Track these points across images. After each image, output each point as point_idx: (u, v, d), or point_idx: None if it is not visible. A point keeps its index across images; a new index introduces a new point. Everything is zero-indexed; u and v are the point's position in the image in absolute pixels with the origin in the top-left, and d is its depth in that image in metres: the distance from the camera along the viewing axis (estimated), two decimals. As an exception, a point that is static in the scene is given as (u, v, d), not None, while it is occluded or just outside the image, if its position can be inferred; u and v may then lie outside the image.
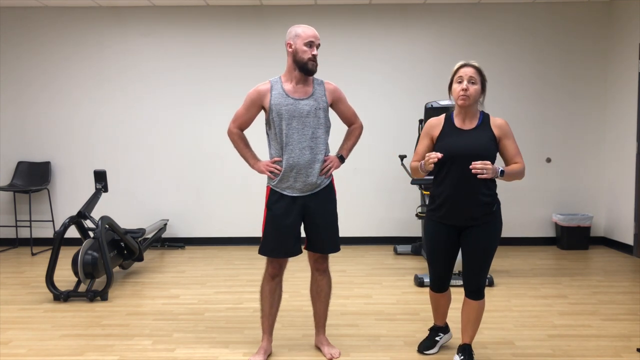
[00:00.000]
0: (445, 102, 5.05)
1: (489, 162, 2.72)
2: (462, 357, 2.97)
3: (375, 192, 6.49)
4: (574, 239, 6.17)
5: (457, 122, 2.88)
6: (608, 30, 6.33)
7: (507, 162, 2.89)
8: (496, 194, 2.88)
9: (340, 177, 6.26)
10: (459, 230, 2.91)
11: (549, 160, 6.46)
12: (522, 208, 6.47)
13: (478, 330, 3.47)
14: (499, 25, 6.39)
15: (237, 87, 6.17)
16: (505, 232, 6.54)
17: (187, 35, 6.43)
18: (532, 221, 6.49)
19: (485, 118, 2.89)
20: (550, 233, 6.49)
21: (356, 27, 6.42)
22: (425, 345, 3.15)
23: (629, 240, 5.93)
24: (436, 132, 2.90)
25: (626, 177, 5.99)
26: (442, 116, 2.97)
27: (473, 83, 2.79)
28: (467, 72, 2.79)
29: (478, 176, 2.71)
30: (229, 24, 6.43)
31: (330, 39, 6.37)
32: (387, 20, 6.41)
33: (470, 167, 2.71)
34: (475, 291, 2.92)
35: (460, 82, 2.80)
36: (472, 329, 2.99)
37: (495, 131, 2.85)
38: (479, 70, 2.81)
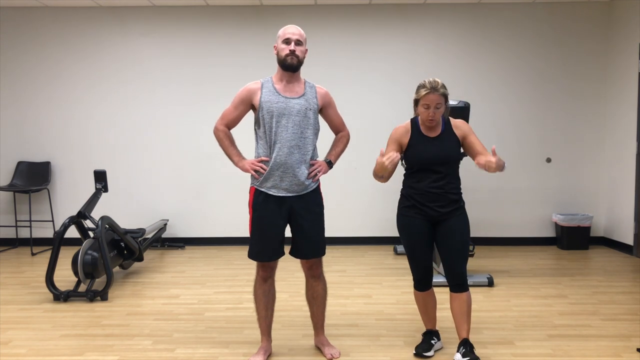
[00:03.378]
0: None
1: (494, 160, 2.81)
2: (463, 351, 3.00)
3: (375, 192, 6.48)
4: (574, 239, 6.17)
5: (424, 130, 3.05)
6: (608, 30, 6.33)
7: (476, 157, 3.00)
8: (461, 193, 3.09)
9: (341, 178, 6.30)
10: (432, 223, 3.06)
11: (549, 160, 6.46)
12: (522, 208, 6.48)
13: (478, 330, 3.48)
14: (499, 25, 6.39)
15: (237, 87, 6.10)
16: (505, 232, 6.62)
17: (187, 35, 6.44)
18: (532, 221, 6.50)
19: (447, 124, 3.06)
20: (550, 233, 6.49)
21: (356, 27, 6.42)
22: (423, 348, 3.15)
23: (629, 240, 5.93)
24: (405, 140, 3.06)
25: (626, 177, 5.99)
26: (408, 123, 3.10)
27: (439, 108, 2.93)
28: (434, 99, 2.90)
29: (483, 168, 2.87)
30: (229, 24, 6.44)
31: (330, 39, 6.38)
32: (387, 20, 6.41)
33: (481, 163, 2.87)
34: (460, 284, 3.03)
35: (427, 108, 2.93)
36: (467, 321, 3.05)
37: (457, 133, 3.04)
38: (442, 94, 2.92)
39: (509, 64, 6.41)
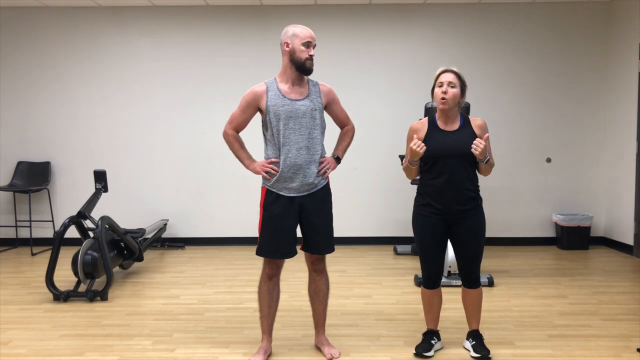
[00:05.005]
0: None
1: (484, 143, 2.91)
2: (473, 343, 3.14)
3: (376, 192, 6.49)
4: (574, 239, 6.17)
5: (441, 124, 3.08)
6: (608, 30, 6.33)
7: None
8: (479, 190, 3.10)
9: (341, 177, 6.29)
10: (447, 223, 3.08)
11: (549, 160, 6.46)
12: (522, 208, 6.47)
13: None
14: (499, 25, 6.39)
15: (237, 87, 6.18)
16: (505, 232, 6.61)
17: (187, 35, 6.43)
18: (532, 221, 6.49)
19: (466, 119, 3.10)
20: (550, 233, 6.49)
21: (356, 27, 6.42)
22: (423, 348, 3.16)
23: (629, 240, 5.92)
24: (421, 135, 3.08)
25: (626, 177, 5.99)
26: (425, 119, 3.15)
27: (452, 87, 3.00)
28: (447, 77, 3.01)
29: (472, 150, 2.90)
30: (229, 24, 6.43)
31: (330, 39, 6.37)
32: (387, 20, 6.41)
33: (472, 145, 2.89)
34: (473, 281, 3.13)
35: (440, 87, 3.02)
36: (477, 314, 3.19)
37: (477, 131, 3.06)
38: (458, 76, 3.03)
39: (509, 63, 6.41)
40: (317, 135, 3.05)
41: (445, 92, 2.97)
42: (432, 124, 3.09)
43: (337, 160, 3.21)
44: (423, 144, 2.93)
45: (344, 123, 3.27)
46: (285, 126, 2.98)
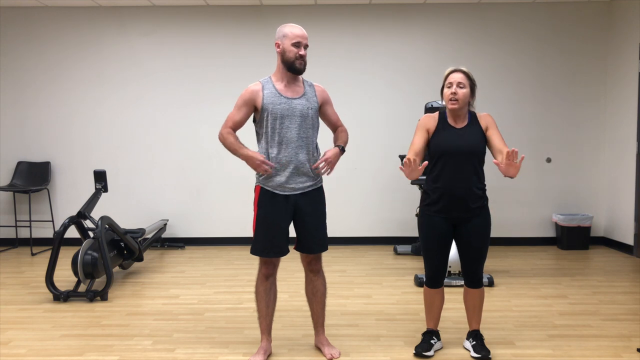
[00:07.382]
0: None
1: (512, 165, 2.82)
2: (473, 343, 3.14)
3: (375, 192, 6.49)
4: (574, 239, 6.17)
5: (450, 121, 3.08)
6: (608, 30, 6.33)
7: (494, 154, 3.01)
8: (485, 189, 3.11)
9: (340, 177, 6.28)
10: (452, 224, 3.08)
11: (549, 160, 6.46)
12: (522, 208, 6.47)
13: (478, 330, 3.49)
14: (499, 26, 6.39)
15: (237, 87, 6.12)
16: (505, 232, 6.61)
17: (187, 35, 6.44)
18: (532, 221, 6.49)
19: (473, 116, 3.10)
20: (550, 233, 6.49)
21: (356, 27, 6.42)
22: (423, 348, 3.17)
23: (629, 240, 5.92)
24: (432, 127, 3.09)
25: (626, 177, 5.99)
26: (437, 113, 3.16)
27: (462, 87, 2.99)
28: (456, 77, 2.99)
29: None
30: (229, 24, 6.44)
31: (330, 39, 6.38)
32: (387, 20, 6.41)
33: (500, 167, 2.82)
34: (476, 280, 3.14)
35: (449, 87, 3.00)
36: (479, 314, 3.21)
37: (482, 123, 3.08)
38: (467, 75, 3.02)
39: (509, 63, 6.41)
40: (311, 134, 3.06)
41: (454, 93, 2.97)
42: (442, 119, 3.09)
43: (342, 150, 3.15)
44: (423, 166, 2.84)
45: (336, 125, 3.26)
46: (281, 124, 2.98)
